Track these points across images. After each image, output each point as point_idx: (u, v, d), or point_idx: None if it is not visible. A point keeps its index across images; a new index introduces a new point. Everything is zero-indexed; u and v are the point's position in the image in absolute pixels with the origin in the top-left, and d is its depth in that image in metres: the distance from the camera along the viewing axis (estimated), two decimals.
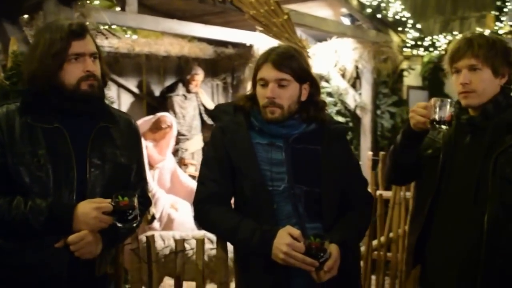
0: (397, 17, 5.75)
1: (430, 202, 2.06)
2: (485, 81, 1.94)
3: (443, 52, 6.01)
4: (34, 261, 1.80)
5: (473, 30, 5.58)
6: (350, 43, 5.90)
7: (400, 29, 5.92)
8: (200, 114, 6.13)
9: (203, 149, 6.17)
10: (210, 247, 3.29)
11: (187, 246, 3.13)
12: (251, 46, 6.07)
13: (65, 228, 1.77)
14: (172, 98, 5.88)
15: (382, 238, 3.73)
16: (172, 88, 5.98)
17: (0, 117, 1.82)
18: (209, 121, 6.14)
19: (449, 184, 2.02)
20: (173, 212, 4.83)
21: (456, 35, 6.01)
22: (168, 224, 4.75)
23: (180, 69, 6.28)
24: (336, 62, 5.99)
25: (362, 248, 3.45)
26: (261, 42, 5.51)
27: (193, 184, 5.20)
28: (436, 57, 6.10)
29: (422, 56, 6.12)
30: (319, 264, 1.84)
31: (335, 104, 6.09)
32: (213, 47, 6.26)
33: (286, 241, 1.83)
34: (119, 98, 5.80)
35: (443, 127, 1.85)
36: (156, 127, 5.22)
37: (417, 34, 5.95)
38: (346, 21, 5.80)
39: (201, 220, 2.09)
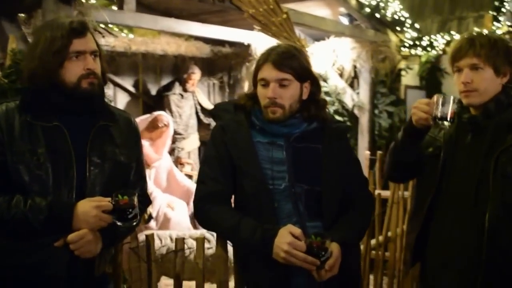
0: (395, 16, 5.75)
1: (430, 200, 2.06)
2: (486, 80, 1.95)
3: (441, 52, 6.03)
4: (34, 260, 1.78)
5: (471, 30, 5.59)
6: (348, 43, 5.90)
7: (398, 28, 5.91)
8: (197, 113, 6.12)
9: (201, 148, 6.17)
10: (207, 247, 3.28)
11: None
12: (248, 45, 6.06)
13: (64, 226, 1.76)
14: (169, 97, 5.88)
15: (380, 238, 3.73)
16: (168, 87, 5.98)
17: None
18: (205, 120, 6.14)
19: (450, 183, 2.02)
20: (170, 212, 4.81)
21: (454, 35, 6.02)
22: (164, 224, 4.73)
23: (176, 68, 6.28)
24: (334, 61, 5.99)
25: (361, 247, 3.44)
26: (259, 41, 5.50)
27: (189, 184, 5.20)
28: (434, 57, 6.10)
29: (420, 56, 6.12)
30: (320, 263, 1.83)
31: (332, 104, 6.09)
32: (210, 46, 6.26)
33: (287, 240, 1.83)
34: (115, 97, 5.79)
35: (446, 123, 1.85)
36: (153, 126, 5.20)
37: (415, 34, 5.95)
38: (345, 21, 5.80)
39: (201, 219, 2.08)
